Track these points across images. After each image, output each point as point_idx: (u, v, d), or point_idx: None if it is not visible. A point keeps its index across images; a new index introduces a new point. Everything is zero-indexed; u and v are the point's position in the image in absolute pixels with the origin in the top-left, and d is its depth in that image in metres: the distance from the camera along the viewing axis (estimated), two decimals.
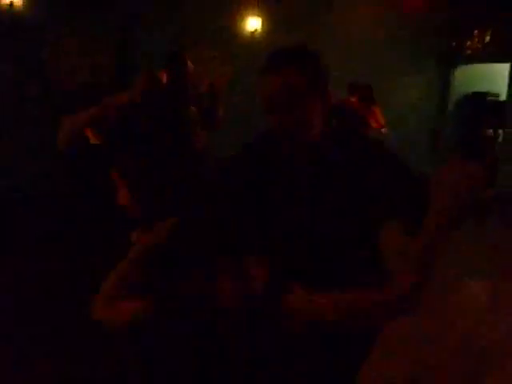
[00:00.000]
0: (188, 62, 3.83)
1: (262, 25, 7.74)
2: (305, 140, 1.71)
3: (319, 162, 1.71)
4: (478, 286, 4.51)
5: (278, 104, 1.65)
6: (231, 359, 1.62)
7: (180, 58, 3.85)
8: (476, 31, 8.85)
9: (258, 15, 7.72)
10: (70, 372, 3.43)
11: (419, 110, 8.93)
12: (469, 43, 8.98)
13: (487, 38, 8.81)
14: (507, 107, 8.54)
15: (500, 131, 9.43)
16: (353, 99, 6.14)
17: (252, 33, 7.66)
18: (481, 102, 9.49)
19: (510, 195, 7.83)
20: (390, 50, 8.31)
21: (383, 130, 6.40)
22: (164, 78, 3.82)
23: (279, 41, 8.35)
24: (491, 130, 9.55)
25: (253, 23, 7.72)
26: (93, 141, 3.35)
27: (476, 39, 8.89)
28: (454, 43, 9.11)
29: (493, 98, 9.58)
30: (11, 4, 6.57)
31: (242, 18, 7.72)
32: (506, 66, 8.73)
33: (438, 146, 9.36)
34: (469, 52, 9.00)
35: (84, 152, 3.39)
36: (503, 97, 9.37)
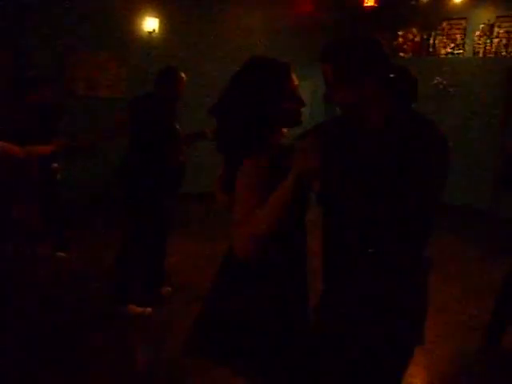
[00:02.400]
0: (181, 77, 4.12)
1: (160, 25, 7.88)
2: (366, 127, 1.85)
3: (381, 147, 1.79)
4: None
5: (329, 89, 1.83)
6: None
7: (174, 73, 4.08)
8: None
9: (156, 16, 7.85)
10: None
11: (315, 114, 9.35)
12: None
13: None
14: None
15: None
16: None
17: (150, 33, 7.76)
18: None
19: None
20: (284, 54, 8.64)
21: None
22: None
23: (176, 41, 8.51)
24: None
25: (150, 24, 7.82)
26: None
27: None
28: None
29: None
30: None
31: (140, 19, 7.82)
32: None
33: None
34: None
35: None
36: None
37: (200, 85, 7.32)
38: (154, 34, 7.82)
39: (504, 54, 8.08)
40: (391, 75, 1.91)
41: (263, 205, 1.81)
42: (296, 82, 2.06)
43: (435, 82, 8.44)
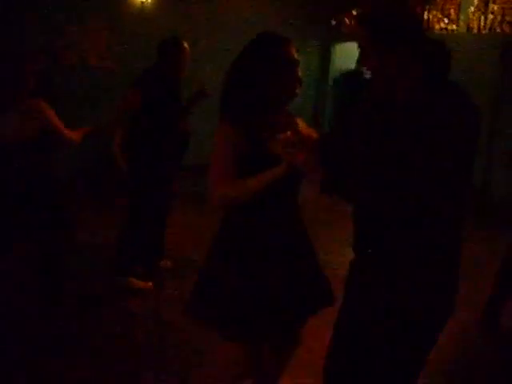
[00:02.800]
0: (185, 48, 4.10)
1: None
2: (392, 97, 1.85)
3: (404, 117, 1.79)
4: None
5: (362, 54, 1.85)
6: None
7: (177, 44, 4.07)
8: (354, 10, 9.34)
9: None
10: None
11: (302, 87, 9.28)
12: (347, 21, 9.47)
13: None
14: None
15: None
16: None
17: (142, 3, 7.60)
18: (357, 79, 10.07)
19: None
20: (268, 27, 8.55)
21: None
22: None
23: (169, 11, 8.40)
24: None
25: None
26: None
27: (354, 18, 9.39)
28: (333, 21, 9.54)
29: (368, 75, 10.17)
30: None
31: None
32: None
33: (318, 122, 9.80)
34: (347, 30, 9.48)
35: None
36: None
37: (194, 59, 7.18)
38: (146, 4, 7.65)
39: (499, 30, 8.05)
40: (426, 48, 1.89)
41: (249, 177, 2.14)
42: (296, 56, 2.26)
43: None
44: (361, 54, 1.87)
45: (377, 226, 1.86)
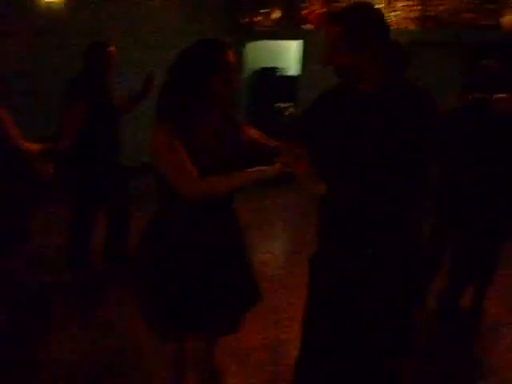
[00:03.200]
0: (111, 51, 4.30)
1: None
2: (360, 90, 1.94)
3: (374, 110, 1.89)
4: None
5: (330, 52, 1.94)
6: None
7: (102, 48, 4.25)
8: (265, 8, 9.43)
9: None
10: None
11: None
12: (259, 20, 9.54)
13: (277, 16, 9.45)
14: (299, 82, 9.30)
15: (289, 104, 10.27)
16: None
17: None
18: (271, 77, 10.18)
19: None
20: (181, 24, 8.51)
21: None
22: None
23: (86, 13, 8.02)
24: (282, 104, 10.35)
25: None
26: None
27: (266, 16, 9.48)
28: (245, 19, 9.58)
29: (281, 72, 10.35)
30: None
31: None
32: (294, 42, 9.48)
33: None
34: (259, 29, 9.56)
35: None
36: (292, 71, 10.17)
37: None
38: (53, 5, 7.33)
39: (404, 27, 8.36)
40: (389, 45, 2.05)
41: (230, 175, 2.18)
42: (233, 60, 2.30)
43: None
44: (329, 52, 1.97)
45: (371, 224, 1.94)
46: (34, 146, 3.64)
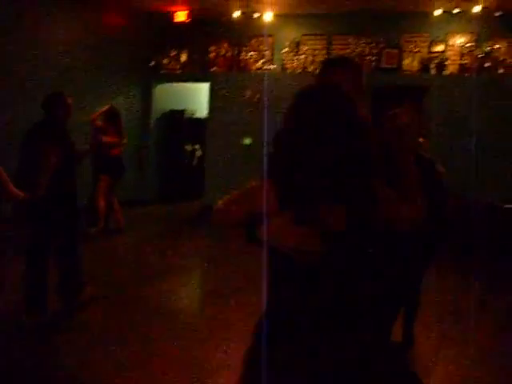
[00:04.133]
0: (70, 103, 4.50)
1: None
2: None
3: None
4: None
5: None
6: None
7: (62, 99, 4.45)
8: (173, 52, 9.33)
9: None
10: None
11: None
12: (167, 62, 9.41)
13: (183, 58, 9.36)
14: (208, 123, 9.21)
15: (197, 146, 10.22)
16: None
17: None
18: (179, 119, 10.06)
19: None
20: (91, 69, 8.25)
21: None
22: None
23: None
24: (191, 146, 10.26)
25: None
26: None
27: (174, 59, 9.37)
28: (153, 62, 9.43)
29: (190, 115, 10.27)
30: None
31: None
32: (203, 85, 9.41)
33: (143, 163, 9.57)
34: (167, 71, 9.44)
35: None
36: (200, 114, 10.10)
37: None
38: None
39: (311, 69, 8.49)
40: None
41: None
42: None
43: (247, 95, 8.60)
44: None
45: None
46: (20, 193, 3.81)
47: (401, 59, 8.16)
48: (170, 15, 8.82)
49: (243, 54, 8.94)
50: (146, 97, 9.79)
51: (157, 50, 9.44)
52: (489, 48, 7.62)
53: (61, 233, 4.54)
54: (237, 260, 5.76)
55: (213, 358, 3.59)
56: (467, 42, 7.86)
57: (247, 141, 8.67)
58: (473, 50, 7.76)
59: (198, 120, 10.13)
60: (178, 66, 9.45)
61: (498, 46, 7.60)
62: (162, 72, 9.52)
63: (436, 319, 4.53)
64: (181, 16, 8.79)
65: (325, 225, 1.72)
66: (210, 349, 3.72)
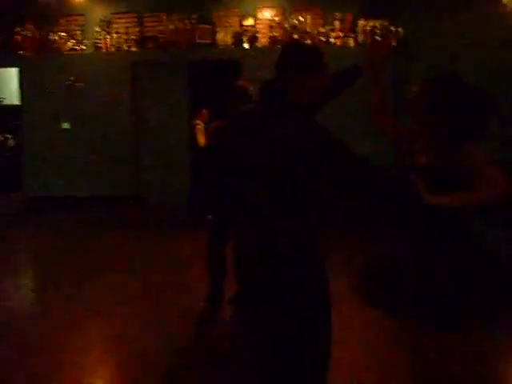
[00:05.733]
0: None
1: None
2: None
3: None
4: None
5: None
6: None
7: None
8: None
9: None
10: None
11: None
12: None
13: None
14: (22, 111, 8.60)
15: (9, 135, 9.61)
16: None
17: None
18: None
19: None
20: None
21: None
22: None
23: None
24: (1, 135, 9.63)
25: None
26: None
27: None
28: None
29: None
30: None
31: None
32: (13, 70, 8.80)
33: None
34: None
35: None
36: (13, 100, 9.43)
37: None
38: None
39: (126, 48, 8.28)
40: None
41: None
42: None
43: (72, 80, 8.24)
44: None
45: None
46: None
47: (214, 35, 8.25)
48: None
49: (52, 35, 8.43)
50: None
51: None
52: (295, 21, 7.98)
53: None
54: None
55: None
56: (275, 16, 8.17)
57: (66, 125, 8.31)
58: (281, 23, 8.09)
59: (8, 107, 9.48)
60: None
61: (302, 18, 7.99)
62: None
63: None
64: None
65: None
66: None
